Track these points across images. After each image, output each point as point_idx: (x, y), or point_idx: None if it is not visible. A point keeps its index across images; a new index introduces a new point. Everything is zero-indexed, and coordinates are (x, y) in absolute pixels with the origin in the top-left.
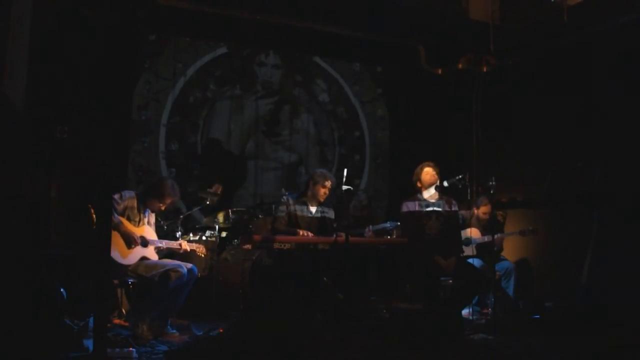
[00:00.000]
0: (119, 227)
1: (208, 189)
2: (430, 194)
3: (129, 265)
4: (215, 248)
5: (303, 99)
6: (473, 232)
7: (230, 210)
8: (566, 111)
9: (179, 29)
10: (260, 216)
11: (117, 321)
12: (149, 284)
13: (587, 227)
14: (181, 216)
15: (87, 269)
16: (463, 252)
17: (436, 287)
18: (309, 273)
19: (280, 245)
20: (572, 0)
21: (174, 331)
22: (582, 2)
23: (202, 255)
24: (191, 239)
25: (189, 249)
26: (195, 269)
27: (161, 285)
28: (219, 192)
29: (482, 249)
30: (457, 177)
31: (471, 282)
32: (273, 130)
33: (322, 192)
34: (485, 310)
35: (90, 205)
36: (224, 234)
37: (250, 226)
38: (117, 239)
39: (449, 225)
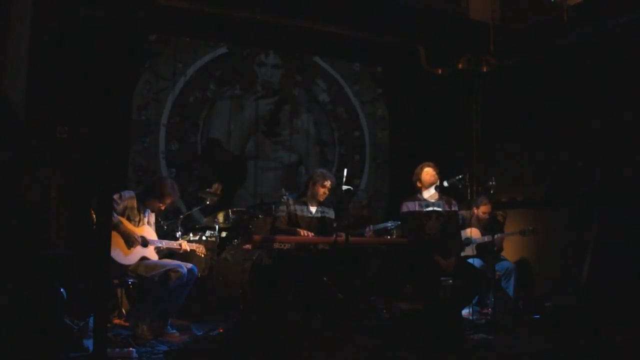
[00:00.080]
0: (118, 227)
1: (208, 189)
2: (430, 194)
3: (129, 265)
4: (215, 248)
5: (303, 99)
6: (473, 232)
7: (230, 210)
8: (566, 111)
9: (179, 29)
10: (260, 216)
11: (117, 321)
12: (149, 284)
13: (587, 227)
14: (181, 216)
15: (87, 269)
16: (464, 250)
17: (436, 287)
18: (309, 273)
19: (280, 245)
20: (572, 0)
21: (174, 331)
22: (582, 2)
23: (202, 255)
24: (191, 239)
25: (189, 249)
26: (195, 269)
27: (161, 285)
28: (218, 192)
29: (482, 249)
30: (457, 177)
31: (471, 282)
32: (273, 130)
33: (322, 192)
34: (485, 310)
35: (90, 205)
36: (224, 234)
37: (250, 226)
38: (117, 239)
39: (449, 225)
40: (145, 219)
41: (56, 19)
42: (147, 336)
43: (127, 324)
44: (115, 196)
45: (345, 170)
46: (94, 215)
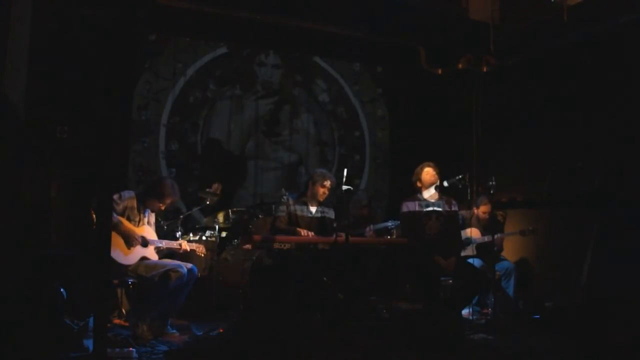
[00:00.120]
0: (118, 227)
1: (207, 189)
2: (430, 194)
3: (129, 265)
4: (215, 248)
5: (303, 99)
6: (473, 232)
7: (230, 210)
8: (566, 111)
9: (179, 29)
10: (260, 216)
11: (117, 321)
12: (149, 284)
13: (587, 227)
14: (181, 216)
15: (87, 269)
16: (465, 249)
17: (436, 287)
18: (309, 273)
19: (280, 245)
20: (572, 0)
21: (174, 331)
22: (582, 2)
23: (202, 255)
24: (191, 239)
25: (189, 249)
26: (195, 269)
27: (161, 285)
28: (218, 192)
29: (482, 249)
30: (457, 177)
31: (471, 282)
32: (273, 130)
33: (322, 192)
34: (485, 310)
35: (90, 205)
36: (224, 234)
37: (250, 226)
38: (116, 239)
39: (449, 225)
40: (145, 219)
41: (56, 19)
42: (147, 336)
43: (127, 324)
44: (115, 196)
45: (345, 170)
46: (94, 215)
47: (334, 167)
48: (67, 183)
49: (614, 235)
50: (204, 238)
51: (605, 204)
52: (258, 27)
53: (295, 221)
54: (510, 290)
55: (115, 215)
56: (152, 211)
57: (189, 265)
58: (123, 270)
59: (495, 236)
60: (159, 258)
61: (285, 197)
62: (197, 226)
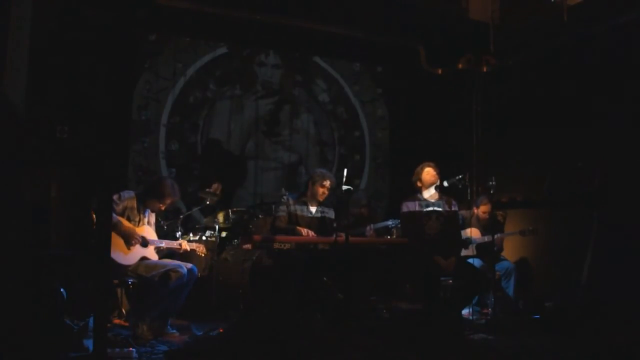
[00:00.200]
0: (117, 227)
1: (207, 189)
2: (430, 193)
3: (129, 266)
4: (215, 248)
5: (303, 99)
6: (473, 232)
7: (230, 210)
8: (566, 111)
9: (179, 29)
10: (260, 216)
11: (117, 321)
12: (149, 284)
13: (587, 227)
14: (181, 216)
15: (87, 269)
16: (467, 248)
17: (436, 287)
18: (309, 273)
19: (280, 245)
20: (572, 0)
21: (174, 331)
22: (582, 2)
23: (202, 255)
24: (191, 239)
25: (189, 249)
26: (195, 269)
27: (161, 285)
28: (218, 191)
29: (482, 249)
30: (457, 177)
31: (471, 282)
32: (273, 130)
33: (321, 191)
34: (485, 310)
35: (90, 205)
36: (224, 234)
37: (250, 226)
38: (116, 240)
39: (449, 225)
40: (145, 219)
41: (56, 19)
42: (147, 336)
43: (127, 324)
44: (115, 197)
45: (345, 170)
46: (94, 216)
47: (334, 167)
48: (67, 183)
49: (614, 235)
50: (204, 238)
51: (605, 204)
52: (258, 27)
53: (295, 221)
54: (510, 290)
55: (114, 215)
56: (152, 211)
57: (189, 265)
58: (123, 270)
59: (495, 236)
60: (159, 258)
61: (285, 197)
62: (197, 226)
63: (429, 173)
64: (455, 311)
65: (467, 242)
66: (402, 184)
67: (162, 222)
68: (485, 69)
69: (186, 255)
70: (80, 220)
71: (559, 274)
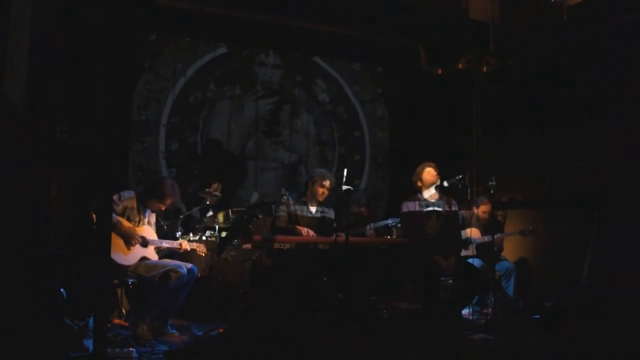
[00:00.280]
0: (117, 228)
1: (207, 189)
2: (430, 193)
3: (129, 266)
4: (215, 248)
5: (303, 99)
6: (473, 232)
7: (230, 210)
8: (566, 111)
9: (179, 29)
10: (260, 216)
11: (117, 321)
12: (149, 284)
13: (587, 227)
14: (181, 216)
15: (87, 269)
16: (467, 248)
17: (436, 287)
18: (309, 273)
19: (280, 245)
20: (572, 0)
21: (174, 331)
22: (582, 2)
23: (203, 255)
24: (191, 239)
25: (189, 249)
26: (195, 269)
27: (161, 285)
28: (218, 191)
29: (482, 249)
30: (457, 177)
31: (471, 282)
32: (273, 130)
33: (321, 191)
34: (485, 310)
35: (90, 205)
36: (224, 234)
37: (250, 226)
38: (116, 240)
39: (449, 225)
40: (146, 219)
41: (56, 19)
42: (147, 336)
43: (127, 324)
44: (115, 197)
45: (345, 170)
46: (94, 216)
47: (334, 167)
48: (67, 183)
49: (614, 235)
50: (204, 238)
51: (605, 204)
52: (258, 27)
53: (295, 221)
54: (510, 290)
55: (114, 215)
56: (153, 211)
57: (189, 265)
58: (123, 270)
59: (495, 236)
60: (159, 258)
61: (285, 197)
62: (197, 226)
63: (429, 173)
64: (455, 311)
65: (467, 242)
66: (402, 184)
67: (162, 222)
68: (485, 69)
69: (186, 255)
70: (80, 220)
71: (559, 274)
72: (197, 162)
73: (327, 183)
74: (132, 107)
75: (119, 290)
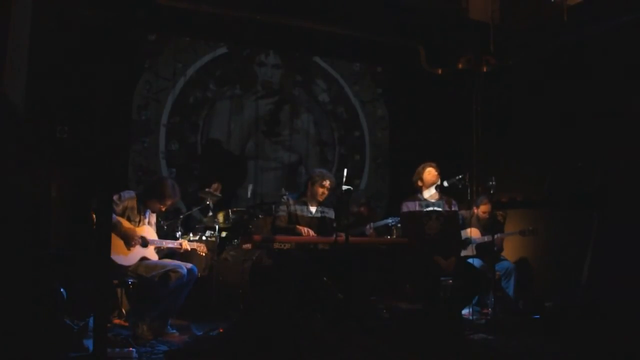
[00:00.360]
0: (117, 228)
1: (207, 189)
2: (430, 193)
3: (129, 266)
4: (215, 248)
5: (303, 99)
6: (473, 232)
7: (230, 210)
8: (566, 111)
9: (179, 29)
10: (260, 216)
11: (117, 321)
12: (149, 284)
13: (587, 227)
14: (181, 216)
15: (87, 269)
16: (466, 249)
17: (436, 287)
18: (309, 273)
19: (280, 245)
20: (572, 0)
21: (174, 331)
22: (582, 2)
23: (203, 254)
24: (191, 239)
25: (189, 249)
26: (195, 269)
27: (161, 285)
28: (218, 191)
29: (482, 249)
30: (457, 177)
31: (471, 282)
32: (273, 130)
33: (321, 192)
34: (485, 310)
35: (90, 205)
36: (224, 234)
37: (250, 226)
38: (116, 241)
39: (449, 225)
40: (146, 220)
41: (56, 19)
42: (147, 336)
43: (127, 324)
44: (115, 197)
45: (345, 170)
46: (94, 216)
47: (334, 167)
48: (67, 183)
49: (614, 235)
50: (204, 238)
51: (605, 204)
52: (258, 27)
53: (295, 221)
54: (510, 290)
55: (114, 216)
56: (153, 212)
57: (189, 265)
58: (123, 270)
59: (495, 236)
60: (159, 258)
61: (285, 197)
62: (197, 226)
63: (430, 173)
64: (455, 311)
65: (467, 242)
66: (402, 184)
67: (162, 222)
68: (485, 69)
69: (186, 255)
70: (80, 220)
71: (559, 274)
72: (197, 162)
73: (327, 183)
74: (132, 107)
75: (119, 290)
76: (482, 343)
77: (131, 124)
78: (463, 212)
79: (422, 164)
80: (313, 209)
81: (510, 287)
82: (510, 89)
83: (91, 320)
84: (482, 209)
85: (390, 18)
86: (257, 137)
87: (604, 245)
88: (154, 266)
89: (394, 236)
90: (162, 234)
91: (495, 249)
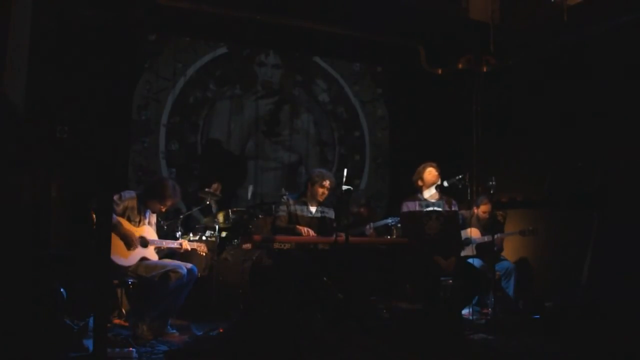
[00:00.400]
0: (117, 228)
1: (207, 189)
2: (430, 193)
3: (129, 267)
4: (215, 248)
5: (303, 99)
6: (473, 232)
7: (230, 210)
8: (566, 111)
9: (179, 29)
10: (260, 216)
11: (117, 321)
12: (149, 284)
13: (587, 227)
14: (181, 216)
15: (87, 269)
16: (465, 248)
17: (436, 287)
18: (309, 273)
19: (280, 245)
20: (572, 0)
21: (174, 331)
22: (582, 2)
23: (204, 254)
24: (191, 239)
25: (189, 248)
26: (195, 269)
27: (161, 285)
28: (218, 191)
29: (482, 249)
30: (457, 177)
31: (471, 282)
32: (273, 130)
33: (321, 192)
34: (485, 310)
35: (90, 205)
36: (224, 234)
37: (250, 226)
38: (116, 241)
39: (449, 225)
40: (146, 220)
41: (56, 19)
42: (147, 336)
43: (127, 324)
44: (115, 197)
45: (345, 170)
46: (94, 216)
47: (334, 167)
48: (67, 183)
49: (614, 235)
50: (204, 238)
51: (605, 204)
52: (258, 27)
53: (295, 221)
54: (510, 290)
55: (114, 216)
56: (153, 212)
57: (189, 265)
58: (123, 270)
59: (495, 236)
60: (159, 258)
61: (285, 197)
62: (197, 226)
63: (430, 173)
64: (455, 311)
65: (467, 242)
66: (402, 184)
67: (162, 222)
68: (485, 69)
69: (186, 255)
70: (80, 220)
71: (559, 274)
72: (197, 162)
73: (326, 183)
74: (132, 107)
75: (119, 290)
76: (482, 343)
77: (131, 124)
78: (463, 212)
79: (422, 164)
80: (313, 209)
81: (510, 287)
82: (510, 89)
83: (91, 320)
84: (482, 209)
85: (390, 18)
86: (257, 137)
87: (604, 245)
88: (154, 266)
89: (394, 236)
90: (162, 234)
91: (495, 249)
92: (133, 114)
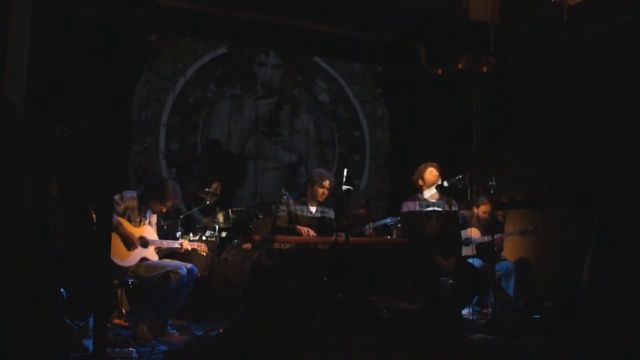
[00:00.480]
0: (118, 229)
1: (207, 189)
2: (430, 193)
3: (129, 267)
4: (215, 248)
5: (303, 99)
6: (473, 232)
7: (230, 210)
8: (566, 111)
9: (179, 29)
10: (260, 216)
11: (117, 321)
12: (149, 284)
13: (587, 227)
14: (181, 216)
15: (87, 269)
16: (465, 248)
17: (436, 287)
18: (309, 273)
19: (280, 245)
20: (572, 0)
21: (174, 331)
22: (582, 2)
23: (204, 254)
24: (191, 239)
25: (190, 248)
26: (195, 269)
27: (161, 286)
28: (217, 191)
29: (482, 249)
30: (457, 177)
31: (471, 282)
32: (273, 130)
33: (321, 192)
34: (485, 310)
35: (90, 206)
36: (224, 234)
37: (250, 226)
38: (116, 241)
39: (449, 225)
40: (147, 220)
41: (56, 19)
42: (147, 336)
43: (127, 324)
44: (117, 197)
45: (345, 170)
46: (94, 216)
47: (334, 167)
48: (67, 183)
49: (614, 235)
50: (204, 238)
51: (605, 204)
52: (258, 27)
53: (295, 221)
54: (510, 290)
55: (115, 216)
56: (154, 212)
57: (189, 265)
58: (123, 270)
59: (495, 236)
60: (160, 258)
61: (285, 197)
62: (197, 226)
63: (431, 173)
64: (455, 311)
65: (467, 242)
66: (402, 184)
67: (162, 222)
68: (485, 69)
69: (186, 255)
70: (80, 220)
71: (559, 274)
72: (197, 162)
73: (326, 183)
74: (132, 107)
75: (119, 290)
76: (482, 343)
77: (131, 124)
78: (463, 212)
79: (423, 164)
80: (313, 209)
81: (510, 287)
82: (510, 89)
83: (91, 320)
84: (482, 209)
85: (390, 18)
86: (257, 137)
87: (604, 245)
88: (154, 266)
89: (394, 236)
90: (162, 234)
91: (495, 249)
92: (133, 114)
